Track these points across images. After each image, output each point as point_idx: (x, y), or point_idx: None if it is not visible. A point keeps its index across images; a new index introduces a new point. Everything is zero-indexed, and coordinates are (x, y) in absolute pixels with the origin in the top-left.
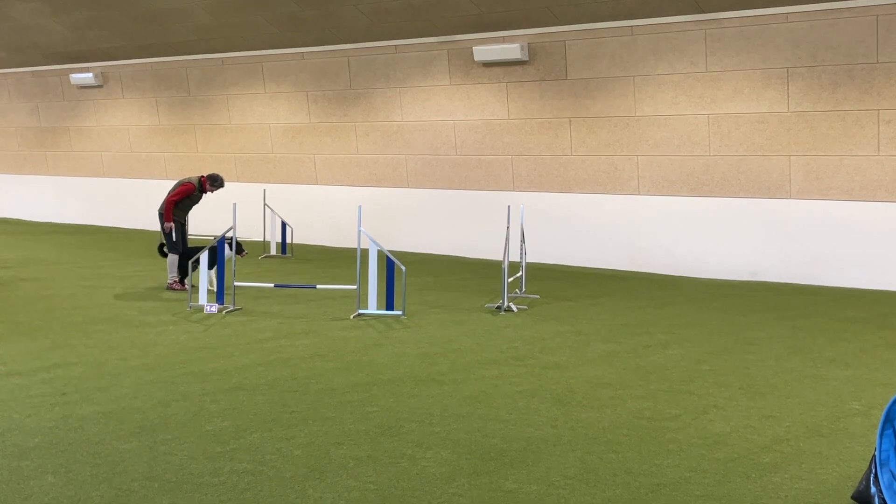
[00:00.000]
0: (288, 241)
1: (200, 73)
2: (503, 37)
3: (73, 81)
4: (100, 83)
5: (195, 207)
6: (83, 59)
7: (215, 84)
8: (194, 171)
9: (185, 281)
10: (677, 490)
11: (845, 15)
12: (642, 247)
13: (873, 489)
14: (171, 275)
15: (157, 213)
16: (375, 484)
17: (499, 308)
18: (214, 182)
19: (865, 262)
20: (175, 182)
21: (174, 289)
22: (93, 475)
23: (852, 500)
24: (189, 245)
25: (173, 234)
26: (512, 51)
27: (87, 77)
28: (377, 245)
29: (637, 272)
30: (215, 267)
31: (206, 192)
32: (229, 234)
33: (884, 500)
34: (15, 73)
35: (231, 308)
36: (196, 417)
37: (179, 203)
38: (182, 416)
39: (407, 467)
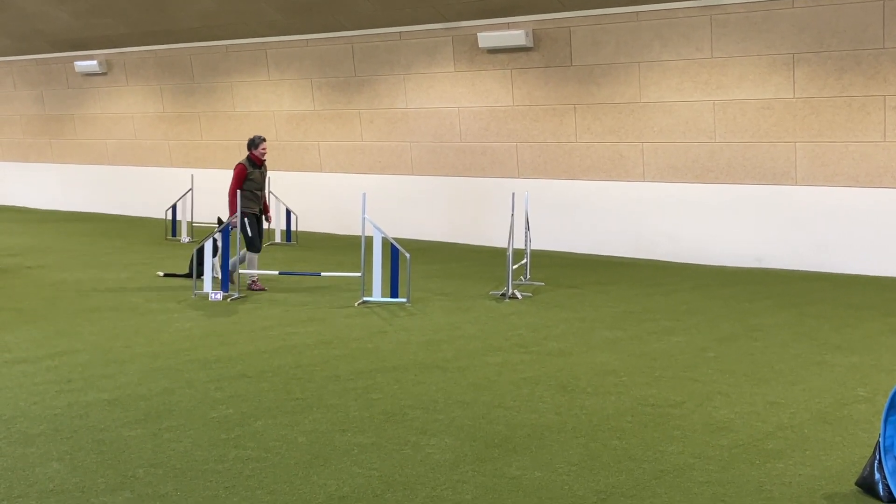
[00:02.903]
0: (292, 228)
1: (204, 60)
2: (508, 23)
3: (77, 69)
4: (104, 71)
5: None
6: (87, 46)
7: (219, 71)
8: (198, 159)
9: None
10: (681, 476)
11: (851, 0)
12: (647, 234)
13: (877, 475)
14: (251, 273)
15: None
16: (379, 470)
17: (503, 295)
18: (252, 145)
19: (871, 248)
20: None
21: (253, 289)
22: (98, 462)
23: (856, 487)
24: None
25: (248, 229)
26: (516, 37)
27: (91, 65)
28: (382, 232)
29: (642, 259)
30: (219, 254)
31: (260, 166)
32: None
33: (888, 486)
34: (19, 60)
35: (236, 295)
36: (201, 405)
37: (243, 190)
38: (187, 404)
39: (411, 454)
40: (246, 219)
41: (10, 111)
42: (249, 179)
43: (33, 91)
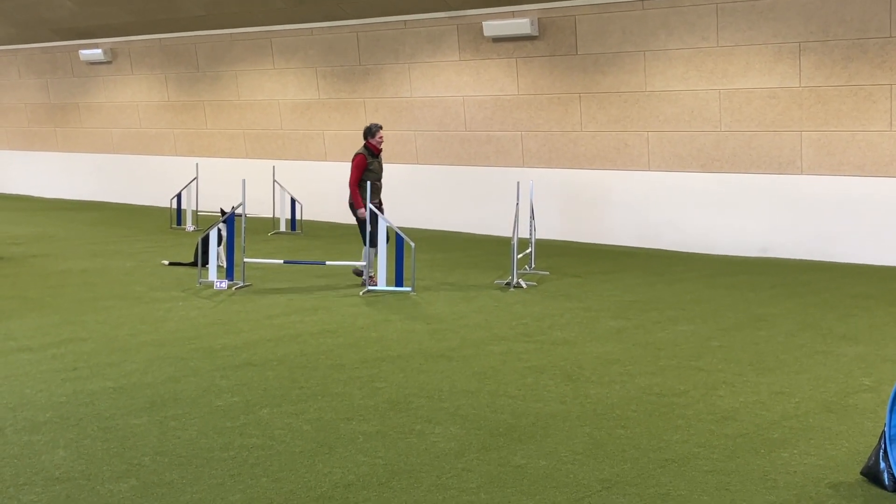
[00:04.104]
0: (297, 217)
1: (209, 48)
2: (513, 12)
3: (82, 57)
4: (109, 59)
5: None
6: (92, 34)
7: (224, 60)
8: (203, 148)
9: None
10: (686, 465)
11: None
12: (652, 223)
13: (882, 465)
14: (367, 269)
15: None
16: (384, 459)
17: (508, 284)
18: (368, 133)
19: (877, 238)
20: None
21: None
22: (104, 450)
23: (861, 476)
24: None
25: (367, 223)
26: (522, 26)
27: (96, 53)
28: (386, 221)
29: (647, 248)
30: (224, 243)
31: (378, 155)
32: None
33: (893, 475)
34: (24, 49)
35: (240, 284)
36: (206, 393)
37: (364, 182)
38: (192, 392)
39: (416, 442)
40: (366, 212)
41: (14, 100)
42: (368, 170)
43: (38, 79)
